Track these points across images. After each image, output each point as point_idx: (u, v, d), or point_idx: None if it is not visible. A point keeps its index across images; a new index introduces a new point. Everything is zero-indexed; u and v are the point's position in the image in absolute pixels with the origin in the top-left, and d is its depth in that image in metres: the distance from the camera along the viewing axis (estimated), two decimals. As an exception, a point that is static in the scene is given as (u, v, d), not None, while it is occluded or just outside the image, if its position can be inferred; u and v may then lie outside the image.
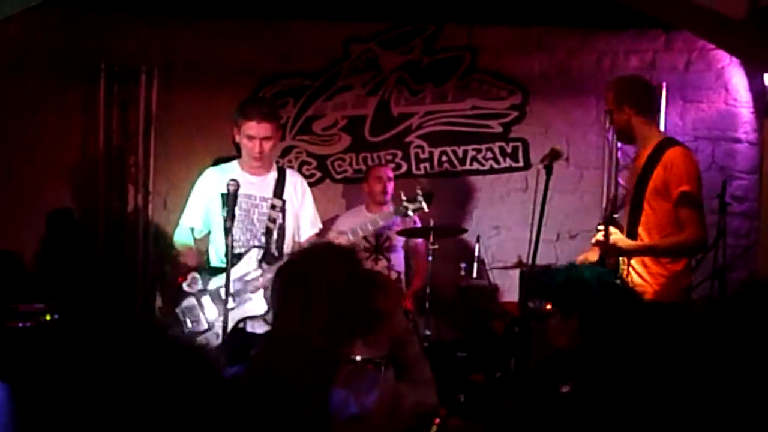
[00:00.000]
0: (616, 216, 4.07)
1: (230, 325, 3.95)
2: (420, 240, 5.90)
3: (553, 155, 3.95)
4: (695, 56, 6.31)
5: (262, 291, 4.07)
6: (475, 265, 5.91)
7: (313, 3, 6.23)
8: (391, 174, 6.03)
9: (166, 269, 6.37)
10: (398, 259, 5.97)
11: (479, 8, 6.19)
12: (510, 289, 6.10)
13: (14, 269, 5.32)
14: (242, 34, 6.47)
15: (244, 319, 4.10)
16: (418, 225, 5.57)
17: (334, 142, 6.61)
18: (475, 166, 6.57)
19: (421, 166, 6.57)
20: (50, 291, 5.07)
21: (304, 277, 2.18)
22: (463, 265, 5.93)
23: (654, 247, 3.91)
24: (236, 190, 3.86)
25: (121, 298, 6.12)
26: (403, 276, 5.94)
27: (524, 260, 4.84)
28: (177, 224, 4.43)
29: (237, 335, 4.01)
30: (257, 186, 4.25)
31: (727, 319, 2.33)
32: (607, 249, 3.83)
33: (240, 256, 4.13)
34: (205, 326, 4.12)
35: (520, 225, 6.17)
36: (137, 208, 6.56)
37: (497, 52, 6.51)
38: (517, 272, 5.67)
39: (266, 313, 4.01)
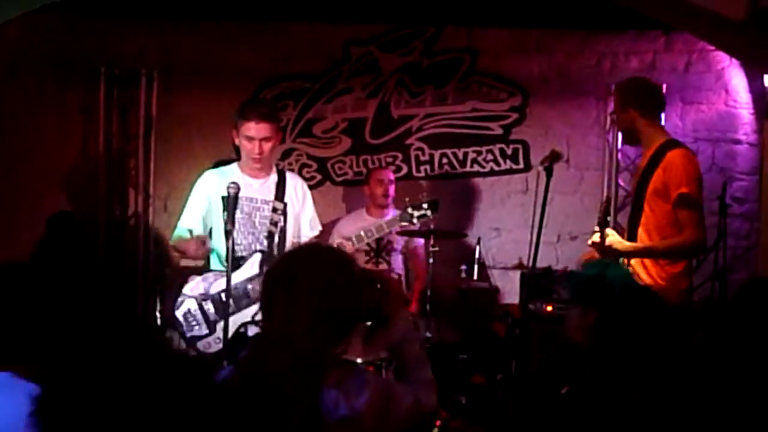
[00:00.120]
0: (609, 218, 4.08)
1: (231, 330, 3.93)
2: (420, 243, 5.91)
3: (553, 157, 3.95)
4: (695, 57, 6.31)
5: (263, 295, 4.06)
6: (476, 267, 5.91)
7: (313, 5, 6.22)
8: (392, 176, 6.03)
9: (167, 272, 6.39)
10: (398, 262, 5.98)
11: (479, 10, 6.19)
12: (511, 291, 6.09)
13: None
14: (242, 37, 6.48)
15: (245, 324, 4.07)
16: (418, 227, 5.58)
17: (335, 145, 6.61)
18: (476, 168, 6.57)
19: (422, 168, 6.57)
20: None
21: (290, 278, 2.17)
22: (463, 267, 5.93)
23: (652, 248, 3.91)
24: (237, 193, 3.84)
25: (121, 300, 6.11)
26: (403, 278, 5.95)
27: (525, 262, 4.85)
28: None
29: (238, 340, 3.98)
30: (258, 189, 4.22)
31: (727, 320, 2.33)
32: (604, 251, 3.83)
33: (242, 260, 4.11)
34: (206, 331, 4.09)
35: (520, 227, 6.17)
36: (137, 211, 6.56)
37: (497, 54, 6.51)
38: (517, 274, 5.66)
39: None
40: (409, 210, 4.50)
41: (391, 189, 5.92)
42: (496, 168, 6.56)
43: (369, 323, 4.79)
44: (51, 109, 6.44)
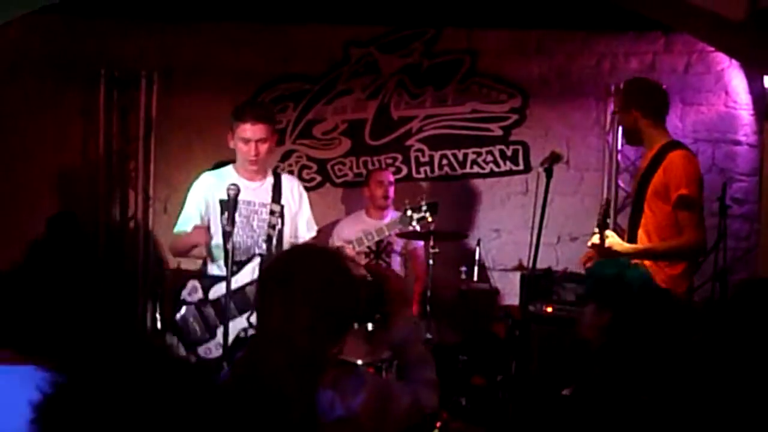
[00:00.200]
0: (609, 220, 4.08)
1: (232, 335, 3.91)
2: (420, 244, 5.90)
3: (553, 158, 3.95)
4: (695, 58, 6.31)
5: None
6: (476, 268, 5.91)
7: (313, 7, 6.23)
8: (392, 178, 6.03)
9: (167, 274, 6.38)
10: (398, 263, 5.98)
11: (478, 12, 6.19)
12: (511, 292, 6.09)
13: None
14: (242, 38, 6.48)
15: (245, 329, 4.05)
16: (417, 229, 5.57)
17: (334, 146, 6.61)
18: (476, 169, 6.57)
19: (422, 169, 6.57)
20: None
21: (286, 277, 2.16)
22: (463, 268, 5.92)
23: (651, 250, 3.91)
24: (236, 195, 3.82)
25: (121, 303, 6.10)
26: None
27: (525, 263, 4.84)
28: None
29: (238, 345, 3.96)
30: (255, 192, 4.19)
31: (723, 322, 2.33)
32: (604, 253, 3.83)
33: (241, 264, 4.07)
34: (206, 336, 4.07)
35: (520, 228, 6.17)
36: (137, 213, 6.57)
37: (497, 56, 6.51)
38: (517, 275, 5.66)
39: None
40: (408, 213, 4.50)
41: (391, 190, 5.92)
42: (496, 169, 6.56)
43: (370, 324, 4.79)
44: (51, 110, 6.44)
